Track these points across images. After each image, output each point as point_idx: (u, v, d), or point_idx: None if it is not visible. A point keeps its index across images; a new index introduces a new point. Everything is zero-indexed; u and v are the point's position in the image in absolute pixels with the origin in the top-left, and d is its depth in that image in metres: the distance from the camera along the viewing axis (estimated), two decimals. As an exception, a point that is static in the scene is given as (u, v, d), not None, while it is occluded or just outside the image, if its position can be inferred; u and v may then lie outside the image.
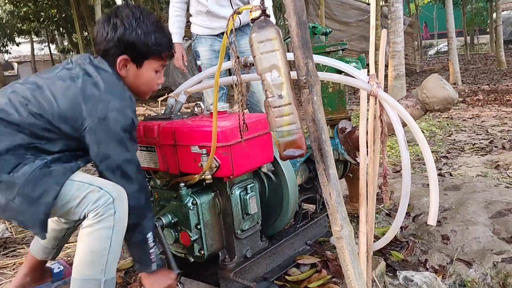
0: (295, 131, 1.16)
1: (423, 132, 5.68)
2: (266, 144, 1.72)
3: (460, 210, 2.68)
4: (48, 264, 2.20)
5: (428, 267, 2.26)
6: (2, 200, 1.44)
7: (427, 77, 1.98)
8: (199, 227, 1.69)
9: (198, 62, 3.20)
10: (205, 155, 1.59)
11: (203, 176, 1.62)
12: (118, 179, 1.53)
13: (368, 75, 1.79)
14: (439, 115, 6.85)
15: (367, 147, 1.77)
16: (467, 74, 12.60)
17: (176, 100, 1.92)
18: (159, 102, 1.94)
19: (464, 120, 6.36)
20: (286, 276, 1.95)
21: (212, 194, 1.72)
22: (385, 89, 9.38)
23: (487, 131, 5.46)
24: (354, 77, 1.77)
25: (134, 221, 1.55)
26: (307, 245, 2.12)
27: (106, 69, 1.59)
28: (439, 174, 3.40)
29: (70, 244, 2.73)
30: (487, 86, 9.79)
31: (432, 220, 1.65)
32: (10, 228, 3.26)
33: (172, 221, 1.73)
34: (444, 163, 4.25)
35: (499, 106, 7.12)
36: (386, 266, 2.23)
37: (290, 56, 1.70)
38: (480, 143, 4.89)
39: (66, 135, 1.53)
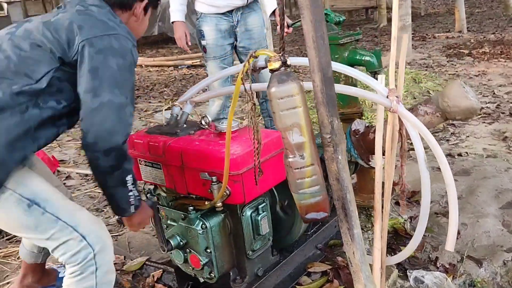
0: (318, 193, 1.07)
1: (429, 92, 5.55)
2: (278, 164, 1.63)
3: (471, 200, 2.64)
4: (55, 267, 2.18)
5: (438, 265, 2.24)
6: None
7: (449, 83, 1.85)
8: (209, 250, 1.63)
9: (203, 42, 2.96)
10: (215, 183, 1.50)
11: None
12: (99, 108, 1.35)
13: (386, 85, 1.67)
14: (445, 71, 6.68)
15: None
16: (472, 20, 12.17)
17: (181, 109, 1.80)
18: (163, 111, 1.82)
19: (470, 78, 6.20)
20: (297, 286, 1.92)
21: (222, 215, 1.65)
22: (389, 41, 9.07)
23: (494, 93, 5.33)
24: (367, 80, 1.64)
25: (111, 163, 1.38)
26: (318, 249, 2.09)
27: (103, 5, 1.51)
28: (448, 154, 3.32)
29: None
30: (493, 35, 9.49)
31: (450, 246, 1.60)
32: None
33: (181, 243, 1.67)
34: (451, 133, 4.16)
35: (505, 61, 6.93)
36: (396, 263, 2.21)
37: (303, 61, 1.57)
38: (487, 107, 4.78)
39: (58, 64, 1.40)
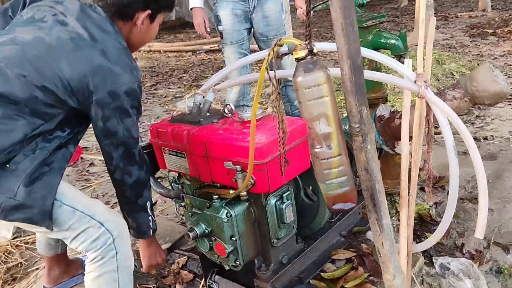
0: (345, 183, 1.05)
1: (452, 74, 5.43)
2: (303, 152, 1.61)
3: (497, 185, 2.58)
4: (79, 256, 2.22)
5: (464, 252, 2.21)
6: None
7: (477, 67, 1.79)
8: (234, 238, 1.63)
9: (220, 28, 2.94)
10: (240, 172, 1.50)
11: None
12: (121, 154, 1.48)
13: (414, 72, 1.62)
14: (468, 52, 6.52)
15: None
16: (497, -4, 11.81)
17: (204, 97, 1.79)
18: (186, 98, 1.81)
19: (495, 58, 6.03)
20: (321, 273, 1.92)
21: (247, 204, 1.65)
22: (410, 22, 8.82)
23: (519, 74, 5.19)
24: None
25: (135, 193, 1.54)
26: (342, 236, 2.07)
27: (110, 30, 1.47)
28: (474, 138, 3.24)
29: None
30: (518, 13, 9.21)
31: (479, 233, 1.57)
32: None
33: (206, 231, 1.68)
34: (476, 116, 4.08)
35: (531, 41, 6.72)
36: (422, 251, 2.19)
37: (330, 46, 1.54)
38: (513, 89, 4.65)
39: (69, 109, 1.43)
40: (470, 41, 7.18)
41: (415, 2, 7.86)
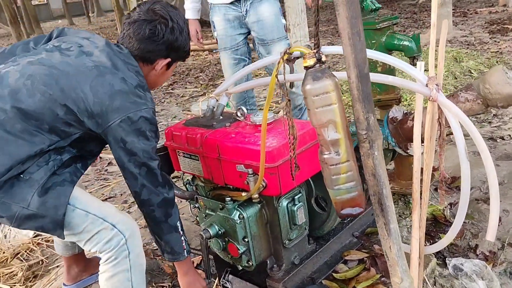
0: (353, 189, 1.08)
1: (470, 71, 5.37)
2: (313, 155, 1.63)
3: (513, 186, 2.56)
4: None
5: (478, 253, 2.20)
6: (13, 209, 1.41)
7: (490, 69, 1.79)
8: (246, 240, 1.67)
9: (214, 34, 2.94)
10: (251, 175, 1.53)
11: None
12: (144, 174, 1.53)
13: (425, 74, 1.63)
14: (487, 49, 6.43)
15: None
16: (519, -9, 11.58)
17: (217, 101, 1.82)
18: (200, 102, 1.85)
19: (515, 55, 5.93)
20: (333, 274, 1.94)
21: (259, 206, 1.68)
22: (428, 18, 8.71)
23: (541, 71, 5.09)
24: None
25: (164, 213, 1.59)
26: (354, 237, 2.09)
27: (131, 63, 1.57)
28: (490, 138, 3.22)
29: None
30: (541, 7, 9.02)
31: (491, 236, 1.57)
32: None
33: (219, 232, 1.71)
34: (494, 114, 4.03)
35: (554, 37, 6.59)
36: (436, 252, 2.19)
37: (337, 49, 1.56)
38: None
39: (86, 130, 1.50)
40: (490, 38, 7.06)
41: (433, -1, 7.74)
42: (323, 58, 1.03)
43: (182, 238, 1.67)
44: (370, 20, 2.17)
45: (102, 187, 3.53)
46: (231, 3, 2.84)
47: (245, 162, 1.55)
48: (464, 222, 2.43)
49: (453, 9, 9.68)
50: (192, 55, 9.18)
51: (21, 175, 1.42)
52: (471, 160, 2.89)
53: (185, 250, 1.69)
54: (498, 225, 2.38)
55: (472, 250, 2.23)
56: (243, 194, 1.59)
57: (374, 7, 2.14)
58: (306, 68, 1.04)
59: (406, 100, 4.33)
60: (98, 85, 1.45)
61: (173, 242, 1.65)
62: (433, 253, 2.14)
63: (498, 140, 3.18)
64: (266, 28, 2.85)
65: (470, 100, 1.80)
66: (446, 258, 2.13)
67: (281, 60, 1.09)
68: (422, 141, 1.74)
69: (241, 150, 1.56)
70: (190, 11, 3.03)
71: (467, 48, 6.56)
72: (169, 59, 1.68)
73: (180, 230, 1.66)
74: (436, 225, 2.39)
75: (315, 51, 1.02)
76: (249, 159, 1.54)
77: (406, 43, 2.08)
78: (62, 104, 1.44)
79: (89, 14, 23.78)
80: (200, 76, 7.08)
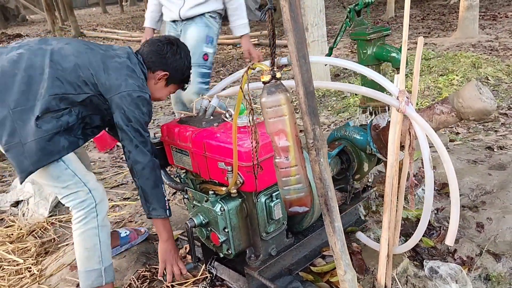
0: (301, 190, 1.23)
1: (487, 78, 5.37)
2: (291, 156, 1.78)
3: (501, 195, 2.64)
4: (119, 230, 2.49)
5: (456, 257, 2.31)
6: (15, 139, 1.74)
7: (465, 84, 1.89)
8: (226, 230, 1.83)
9: None
10: (230, 172, 1.69)
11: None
12: (138, 138, 1.84)
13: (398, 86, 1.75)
14: (510, 55, 6.37)
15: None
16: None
17: (209, 102, 1.99)
18: (194, 103, 2.03)
19: (538, 63, 5.87)
20: (311, 267, 2.09)
21: (239, 200, 1.84)
22: (457, 20, 8.54)
23: None
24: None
25: (151, 171, 1.87)
26: (335, 234, 2.23)
27: (144, 69, 1.97)
28: (487, 147, 3.28)
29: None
30: None
31: (449, 240, 1.69)
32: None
33: (203, 221, 1.89)
34: (502, 123, 4.06)
35: None
36: (414, 253, 2.31)
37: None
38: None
39: (96, 92, 1.85)
40: (515, 44, 6.99)
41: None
42: (278, 75, 1.18)
43: (166, 199, 1.92)
44: (361, 31, 2.29)
45: (116, 174, 3.76)
46: (172, 21, 3.10)
47: (225, 160, 1.71)
48: (447, 227, 2.54)
49: (482, 12, 9.54)
50: (217, 48, 9.36)
51: (37, 122, 1.74)
52: (463, 168, 3.00)
53: (167, 210, 1.93)
54: (480, 232, 2.50)
55: (451, 254, 2.34)
56: (223, 188, 1.76)
57: (368, 1, 2.25)
58: (264, 83, 1.19)
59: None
60: (112, 69, 1.86)
61: (158, 198, 1.90)
62: (410, 255, 2.27)
63: (495, 150, 3.24)
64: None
65: (445, 113, 1.90)
66: (424, 260, 2.25)
67: (245, 74, 1.25)
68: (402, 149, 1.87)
69: (222, 148, 1.72)
70: (147, 20, 3.23)
71: (490, 53, 6.51)
72: (167, 73, 2.03)
73: (163, 190, 1.92)
74: (420, 228, 2.50)
75: (271, 69, 1.17)
76: (229, 157, 1.70)
77: (393, 54, 2.20)
78: (87, 69, 1.84)
79: (123, 3, 24.30)
80: (221, 70, 7.27)
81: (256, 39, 9.10)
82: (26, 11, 22.89)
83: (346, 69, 6.33)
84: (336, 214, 1.25)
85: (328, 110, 4.98)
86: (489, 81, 5.36)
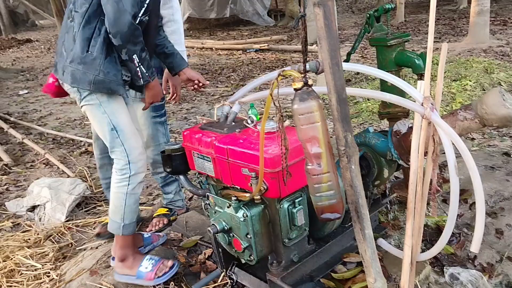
0: (333, 197, 1.22)
1: (500, 84, 5.34)
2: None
3: (521, 202, 2.62)
4: (144, 234, 2.51)
5: (476, 264, 2.29)
6: (89, 77, 1.98)
7: (489, 90, 1.88)
8: (249, 236, 1.83)
9: None
10: (254, 178, 1.69)
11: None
12: (107, 11, 1.92)
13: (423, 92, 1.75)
14: (522, 60, 6.34)
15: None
16: None
17: (231, 108, 1.99)
18: (215, 109, 2.03)
19: (550, 68, 5.84)
20: (332, 274, 2.08)
21: (262, 206, 1.84)
22: (467, 26, 8.55)
23: None
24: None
25: (119, 43, 1.95)
26: (355, 240, 2.22)
27: None
28: (504, 153, 3.26)
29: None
30: None
31: (475, 247, 1.68)
32: (90, 186, 3.63)
33: (226, 227, 1.89)
34: (517, 130, 4.04)
35: None
36: (435, 260, 2.30)
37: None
38: None
39: None
40: (526, 49, 6.96)
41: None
42: (310, 82, 1.18)
43: (138, 69, 2.04)
44: (382, 37, 2.29)
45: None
46: None
47: (249, 166, 1.71)
48: (467, 234, 2.54)
49: (492, 17, 9.50)
50: (226, 53, 9.40)
51: (88, 51, 1.97)
52: (481, 174, 2.97)
53: (140, 79, 2.07)
54: (500, 238, 2.48)
55: (471, 261, 2.32)
56: (247, 195, 1.76)
57: (388, 7, 2.25)
58: (295, 90, 1.20)
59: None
60: None
61: (129, 68, 2.06)
62: (431, 262, 2.25)
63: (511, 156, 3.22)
64: None
65: (468, 119, 1.89)
66: (444, 267, 2.23)
67: (276, 81, 1.25)
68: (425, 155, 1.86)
69: (246, 155, 1.72)
70: None
71: (501, 59, 6.49)
72: None
73: (136, 61, 2.02)
74: (440, 235, 2.48)
75: (303, 75, 1.17)
76: (253, 163, 1.70)
77: (414, 60, 2.19)
78: None
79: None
80: (232, 76, 7.28)
81: (266, 44, 9.11)
82: (35, 16, 23.12)
83: (358, 74, 6.32)
84: (367, 221, 1.25)
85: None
86: (502, 85, 5.34)
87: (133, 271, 2.19)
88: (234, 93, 2.16)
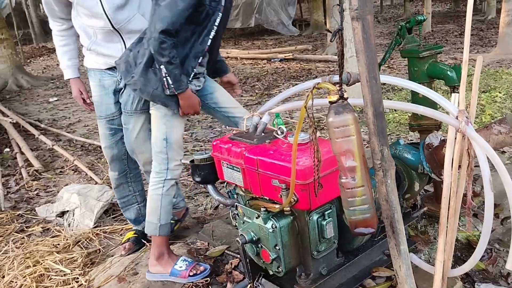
0: (367, 211, 1.21)
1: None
2: (345, 175, 1.77)
3: (554, 217, 2.54)
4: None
5: (510, 282, 2.23)
6: (149, 89, 2.19)
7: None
8: (277, 247, 1.82)
9: (92, 99, 2.63)
10: (285, 190, 1.69)
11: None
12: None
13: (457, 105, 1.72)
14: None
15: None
16: None
17: (260, 118, 2.00)
18: (245, 119, 2.04)
19: None
20: (360, 288, 2.05)
21: (291, 218, 1.83)
22: (495, 36, 8.42)
23: None
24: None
25: (153, 49, 2.07)
26: (385, 254, 2.19)
27: None
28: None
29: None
30: None
31: (510, 264, 1.64)
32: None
33: (254, 238, 1.88)
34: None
35: None
36: (465, 275, 2.24)
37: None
38: None
39: None
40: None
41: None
42: (345, 95, 1.17)
43: (164, 79, 2.13)
44: (414, 48, 2.27)
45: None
46: (106, 69, 2.51)
47: (279, 177, 1.71)
48: (498, 250, 2.47)
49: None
50: (251, 63, 9.44)
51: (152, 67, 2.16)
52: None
53: (166, 89, 2.15)
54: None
55: (503, 278, 2.26)
56: (276, 206, 1.76)
57: (420, 19, 2.24)
58: (330, 103, 1.19)
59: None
60: None
61: (160, 74, 2.14)
62: (462, 278, 2.20)
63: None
64: (123, 100, 2.51)
65: (503, 133, 1.85)
66: (476, 283, 2.18)
67: (311, 94, 1.25)
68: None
69: (276, 166, 1.72)
70: (69, 70, 2.64)
71: (533, 70, 6.34)
72: None
73: (163, 72, 2.11)
74: (470, 250, 2.43)
75: (338, 89, 1.17)
76: (283, 175, 1.70)
77: (447, 72, 2.16)
78: None
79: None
80: (257, 85, 7.31)
81: (291, 54, 9.13)
82: (65, 26, 23.66)
83: (384, 84, 6.26)
84: (402, 236, 1.23)
85: (366, 126, 4.93)
86: (533, 98, 5.21)
87: (167, 269, 2.34)
88: (258, 102, 2.17)
